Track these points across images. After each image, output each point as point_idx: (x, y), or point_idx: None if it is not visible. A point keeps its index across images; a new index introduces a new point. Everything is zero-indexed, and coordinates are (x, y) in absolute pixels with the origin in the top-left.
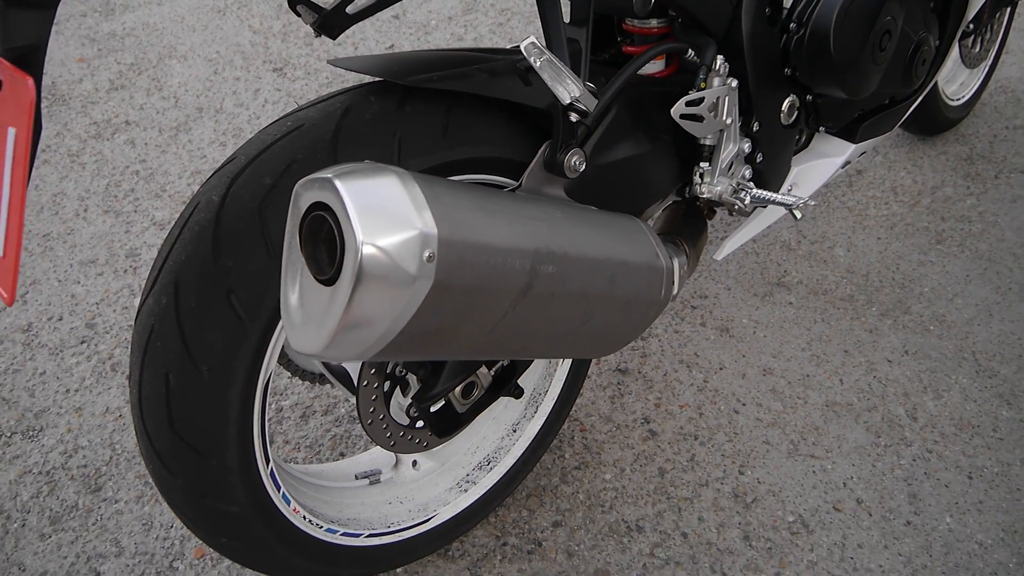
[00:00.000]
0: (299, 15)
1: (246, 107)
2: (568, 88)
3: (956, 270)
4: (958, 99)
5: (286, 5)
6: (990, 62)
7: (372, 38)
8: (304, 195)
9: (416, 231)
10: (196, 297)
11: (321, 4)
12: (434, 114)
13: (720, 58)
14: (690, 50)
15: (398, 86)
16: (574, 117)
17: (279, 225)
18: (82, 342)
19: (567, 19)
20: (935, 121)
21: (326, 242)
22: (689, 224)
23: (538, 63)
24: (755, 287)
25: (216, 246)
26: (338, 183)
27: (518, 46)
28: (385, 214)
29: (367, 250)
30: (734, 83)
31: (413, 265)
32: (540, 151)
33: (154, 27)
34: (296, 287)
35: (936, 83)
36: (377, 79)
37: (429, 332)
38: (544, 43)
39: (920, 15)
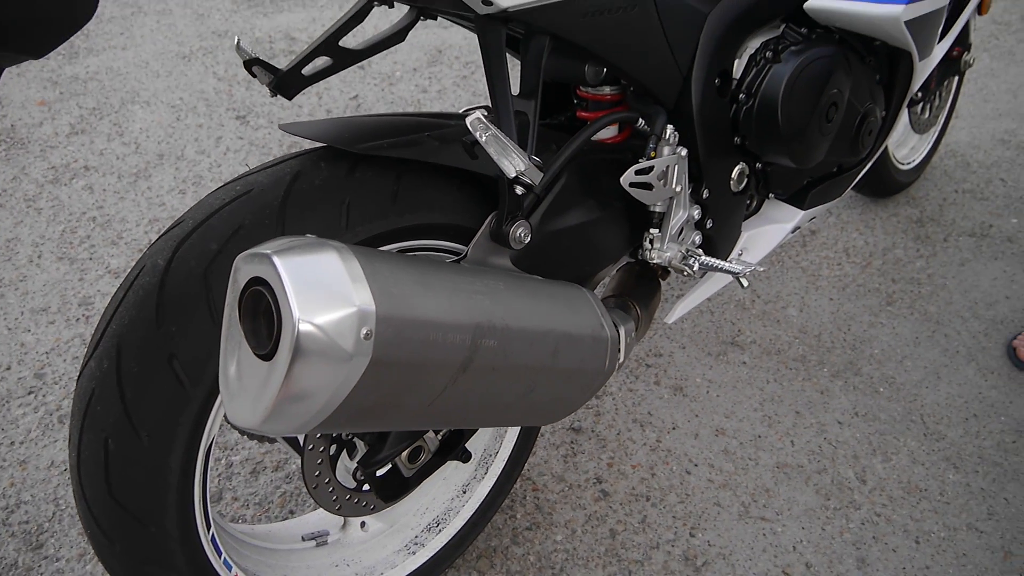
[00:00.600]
0: (255, 76)
1: (207, 155)
2: (513, 163)
3: (906, 332)
4: (908, 163)
5: (243, 64)
6: (939, 127)
7: (336, 87)
8: (243, 269)
9: (353, 308)
10: (138, 362)
11: (277, 66)
12: (384, 181)
13: (670, 127)
14: (640, 119)
15: (349, 151)
16: (519, 190)
17: (223, 291)
18: (29, 392)
19: (517, 91)
20: (886, 184)
21: (265, 317)
22: (642, 285)
23: (483, 138)
24: (709, 346)
25: (160, 311)
26: (276, 260)
27: (470, 111)
28: (323, 291)
29: (304, 327)
30: (683, 152)
31: (350, 343)
32: (487, 221)
33: (118, 71)
34: (235, 360)
35: (886, 148)
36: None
37: (368, 407)
38: (494, 113)
39: (867, 87)
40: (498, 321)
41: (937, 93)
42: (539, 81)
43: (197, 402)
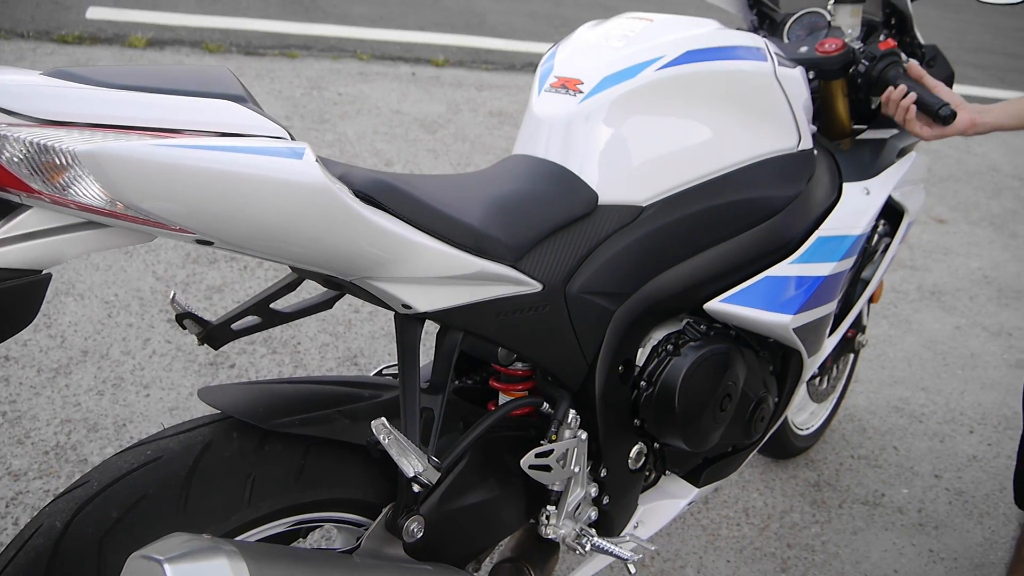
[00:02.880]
0: (184, 328)
1: (133, 356)
2: (412, 464)
3: None
4: (807, 428)
5: (174, 316)
6: (837, 395)
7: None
8: (135, 570)
9: None
10: None
11: (207, 320)
12: (291, 456)
13: (572, 412)
14: (544, 403)
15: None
16: (416, 488)
17: (118, 561)
18: None
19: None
20: (785, 448)
21: None
22: (539, 548)
23: (386, 440)
24: None
25: None
26: (167, 568)
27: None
28: None
29: None
30: (584, 435)
31: None
32: (384, 512)
33: None
34: None
35: (786, 417)
36: None
37: None
38: (401, 405)
39: (760, 378)
40: None
41: (835, 365)
42: (448, 375)
43: None
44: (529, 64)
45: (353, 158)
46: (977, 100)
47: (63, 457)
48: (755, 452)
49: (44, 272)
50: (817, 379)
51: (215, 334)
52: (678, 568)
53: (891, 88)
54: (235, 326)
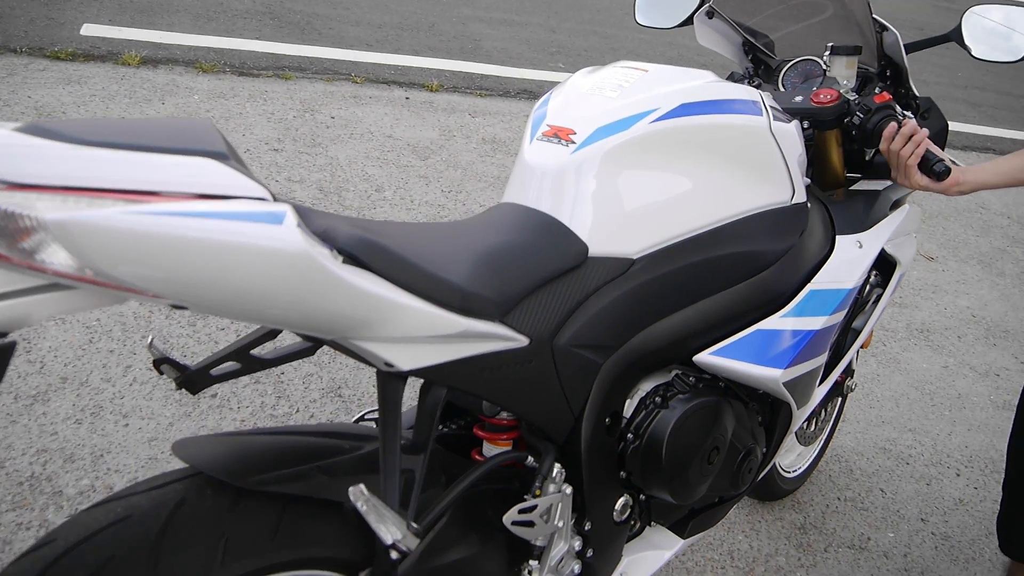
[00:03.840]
0: (162, 373)
1: (113, 383)
2: (391, 531)
3: None
4: (794, 471)
5: (152, 362)
6: (825, 437)
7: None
8: None
9: None
10: None
11: (186, 364)
12: (267, 514)
13: (557, 466)
14: (529, 457)
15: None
16: (394, 555)
17: None
18: None
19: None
20: (771, 491)
21: None
22: None
23: (363, 507)
24: None
25: None
26: None
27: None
28: None
29: None
30: (568, 490)
31: None
32: None
33: None
34: None
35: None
36: None
37: None
38: (380, 462)
39: (748, 429)
40: None
41: (823, 409)
42: (431, 434)
43: None
44: (524, 91)
45: (344, 183)
46: (968, 137)
47: (37, 488)
48: (740, 498)
49: (8, 338)
50: (805, 423)
51: (194, 379)
52: None
53: (895, 137)
54: (214, 371)
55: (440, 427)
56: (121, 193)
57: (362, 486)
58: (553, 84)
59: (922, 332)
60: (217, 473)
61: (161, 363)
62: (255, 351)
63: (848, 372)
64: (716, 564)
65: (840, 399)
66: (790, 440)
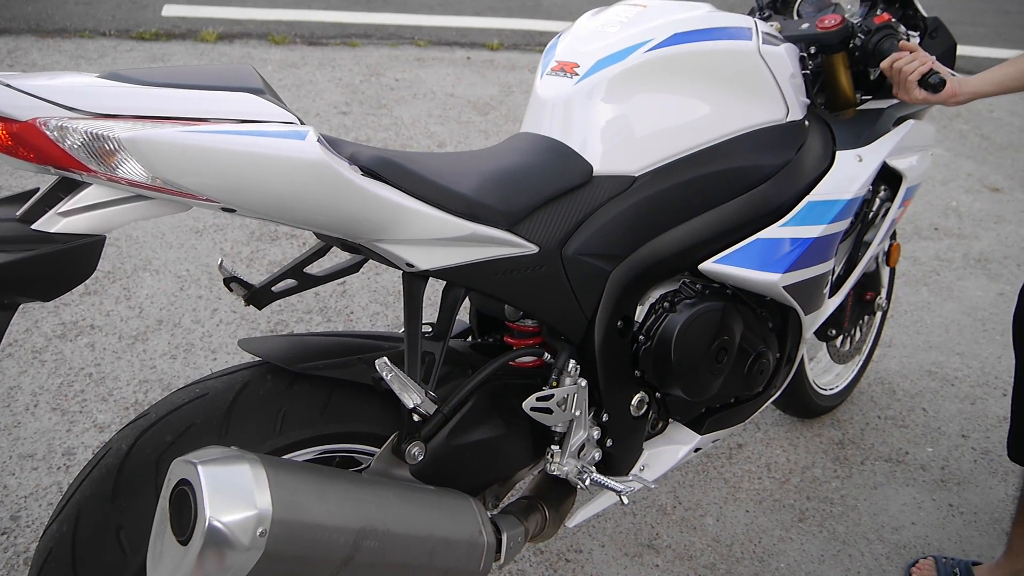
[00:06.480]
0: (231, 290)
1: (202, 324)
2: (411, 397)
3: (813, 549)
4: (831, 389)
5: (223, 280)
6: (863, 357)
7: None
8: (176, 471)
9: (254, 511)
10: (92, 529)
11: (251, 283)
12: (317, 395)
13: (572, 361)
14: (546, 354)
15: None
16: (416, 417)
17: None
18: (3, 533)
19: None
20: (808, 408)
21: (187, 510)
22: (555, 490)
23: (388, 376)
24: (627, 547)
25: (116, 488)
26: (200, 468)
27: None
28: (232, 496)
29: (212, 523)
30: (583, 383)
31: (247, 538)
32: (390, 439)
33: (136, 240)
34: (161, 540)
35: (805, 376)
36: None
37: None
38: (405, 349)
39: (758, 333)
40: (380, 525)
41: (857, 327)
42: (450, 326)
43: (133, 569)
44: None
45: (408, 140)
46: (971, 60)
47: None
48: (765, 406)
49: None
50: (838, 341)
51: (258, 295)
52: (698, 516)
53: (895, 55)
54: (275, 288)
55: (478, 339)
56: (179, 120)
57: (386, 358)
58: None
59: (979, 261)
60: (275, 360)
61: (230, 281)
62: (308, 269)
63: (877, 289)
64: (753, 475)
65: (874, 318)
66: (819, 352)
